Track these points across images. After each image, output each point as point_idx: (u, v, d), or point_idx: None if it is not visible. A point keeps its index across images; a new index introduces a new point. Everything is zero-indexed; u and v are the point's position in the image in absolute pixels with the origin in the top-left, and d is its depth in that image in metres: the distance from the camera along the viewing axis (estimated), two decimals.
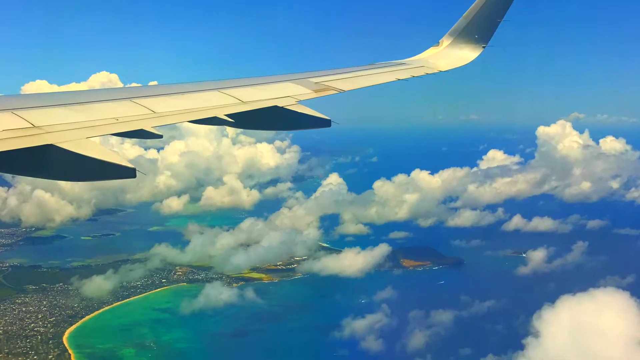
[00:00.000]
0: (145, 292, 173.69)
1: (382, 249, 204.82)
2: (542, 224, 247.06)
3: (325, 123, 15.65)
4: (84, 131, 11.97)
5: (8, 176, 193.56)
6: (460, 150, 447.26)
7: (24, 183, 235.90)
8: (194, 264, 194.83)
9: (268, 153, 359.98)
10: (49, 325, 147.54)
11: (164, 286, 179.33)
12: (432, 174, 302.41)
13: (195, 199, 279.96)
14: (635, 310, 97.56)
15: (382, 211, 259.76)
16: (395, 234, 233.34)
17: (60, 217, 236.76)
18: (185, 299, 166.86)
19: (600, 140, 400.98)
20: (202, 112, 14.36)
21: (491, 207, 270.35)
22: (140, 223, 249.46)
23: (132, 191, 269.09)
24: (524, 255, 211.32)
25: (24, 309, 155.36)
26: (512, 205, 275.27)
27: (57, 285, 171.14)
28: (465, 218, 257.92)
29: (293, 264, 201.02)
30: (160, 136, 12.70)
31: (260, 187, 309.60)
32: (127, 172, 10.91)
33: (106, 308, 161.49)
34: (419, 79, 21.05)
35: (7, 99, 13.51)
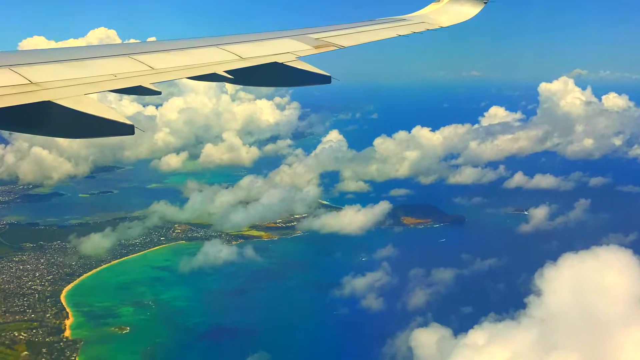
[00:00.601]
0: (143, 250, 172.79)
1: (383, 207, 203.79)
2: (544, 181, 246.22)
3: (326, 79, 15.48)
4: (81, 88, 11.92)
5: (5, 133, 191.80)
6: (462, 107, 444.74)
7: (21, 140, 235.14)
8: (193, 221, 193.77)
9: (267, 110, 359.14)
10: (46, 283, 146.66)
11: (163, 244, 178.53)
12: (433, 130, 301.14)
13: (194, 156, 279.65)
14: (638, 268, 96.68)
15: (383, 168, 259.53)
16: (395, 192, 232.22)
17: (57, 175, 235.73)
18: (184, 257, 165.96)
19: (603, 97, 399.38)
20: (201, 69, 14.30)
21: (493, 164, 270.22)
22: (138, 180, 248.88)
23: (131, 148, 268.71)
24: (525, 212, 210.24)
25: (21, 267, 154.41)
26: (514, 162, 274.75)
27: (54, 243, 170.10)
28: (466, 175, 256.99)
29: (293, 222, 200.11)
30: (159, 93, 12.80)
31: (260, 144, 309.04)
32: (125, 129, 10.93)
33: (104, 266, 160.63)
34: (420, 35, 20.75)
35: (4, 55, 13.30)
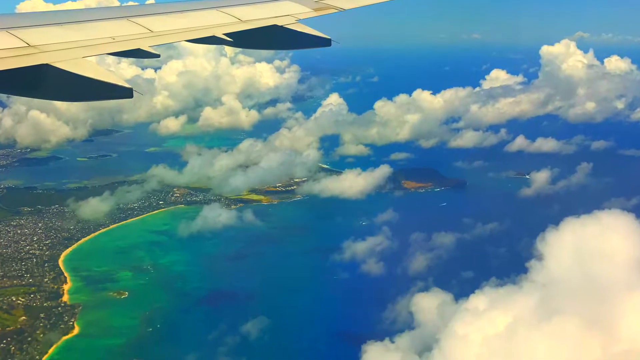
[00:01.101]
0: (142, 214, 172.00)
1: (383, 170, 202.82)
2: (546, 144, 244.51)
3: (326, 42, 15.45)
4: (80, 50, 11.86)
5: (3, 96, 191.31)
6: (463, 70, 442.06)
7: (19, 103, 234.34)
8: (192, 185, 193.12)
9: (267, 73, 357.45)
10: (44, 247, 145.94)
11: (162, 208, 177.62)
12: (434, 94, 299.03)
13: (193, 120, 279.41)
14: None
15: (383, 132, 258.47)
16: (396, 155, 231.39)
17: (55, 138, 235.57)
18: (183, 221, 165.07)
19: (605, 60, 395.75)
20: (200, 31, 14.23)
21: (494, 128, 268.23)
22: (137, 144, 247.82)
23: (129, 111, 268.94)
24: (527, 176, 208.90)
25: (19, 231, 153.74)
26: (515, 125, 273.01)
27: (52, 207, 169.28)
28: (467, 139, 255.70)
29: (292, 186, 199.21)
30: (158, 56, 12.76)
31: (259, 107, 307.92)
32: (123, 92, 10.84)
33: (102, 230, 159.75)
34: None
35: (1, 18, 13.08)
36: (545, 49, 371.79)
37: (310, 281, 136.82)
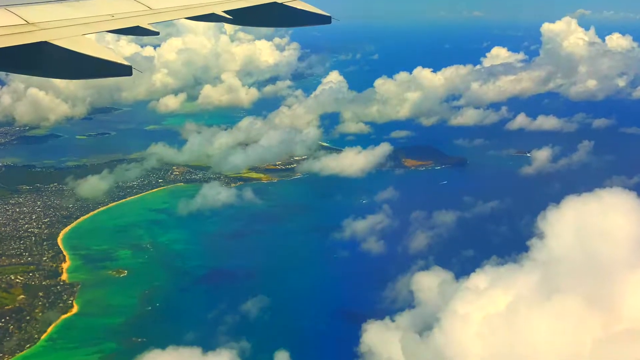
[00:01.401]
0: (141, 193, 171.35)
1: (384, 148, 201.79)
2: (547, 122, 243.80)
3: (325, 20, 15.54)
4: (79, 28, 11.98)
5: (1, 74, 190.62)
6: (463, 48, 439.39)
7: (18, 81, 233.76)
8: (192, 163, 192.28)
9: (267, 50, 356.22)
10: (43, 226, 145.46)
11: (161, 186, 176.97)
12: (434, 71, 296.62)
13: (192, 97, 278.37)
14: None
15: (384, 110, 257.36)
16: (396, 133, 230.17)
17: (54, 116, 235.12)
18: (182, 199, 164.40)
19: (606, 38, 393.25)
20: (199, 9, 14.37)
21: (495, 106, 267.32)
22: (136, 122, 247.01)
23: (128, 89, 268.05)
24: (528, 154, 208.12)
25: (17, 210, 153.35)
26: (516, 103, 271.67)
27: (51, 185, 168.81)
28: (468, 117, 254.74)
29: (292, 164, 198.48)
30: (157, 33, 12.87)
31: (259, 85, 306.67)
32: (123, 70, 10.96)
33: (101, 209, 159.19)
34: None
35: None
36: (547, 27, 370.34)
37: (310, 260, 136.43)
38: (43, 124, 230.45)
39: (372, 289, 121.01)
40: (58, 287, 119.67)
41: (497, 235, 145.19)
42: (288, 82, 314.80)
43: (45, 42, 10.79)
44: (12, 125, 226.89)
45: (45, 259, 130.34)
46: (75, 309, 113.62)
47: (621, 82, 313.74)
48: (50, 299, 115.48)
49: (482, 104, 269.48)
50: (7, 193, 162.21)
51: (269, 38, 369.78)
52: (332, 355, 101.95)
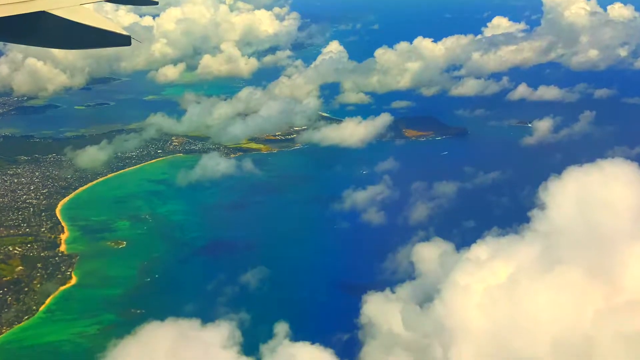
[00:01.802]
0: (140, 163, 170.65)
1: (384, 119, 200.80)
2: (548, 92, 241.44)
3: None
4: None
5: None
6: (464, 17, 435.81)
7: (16, 51, 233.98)
8: (191, 134, 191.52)
9: (267, 20, 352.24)
10: (41, 197, 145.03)
11: (160, 157, 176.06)
12: (435, 41, 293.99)
13: (191, 67, 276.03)
14: None
15: (384, 80, 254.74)
16: (397, 103, 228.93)
17: (53, 86, 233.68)
18: (181, 170, 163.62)
19: (608, 7, 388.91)
20: None
21: (496, 76, 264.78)
22: (135, 92, 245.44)
23: (127, 59, 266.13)
24: (529, 125, 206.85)
25: (15, 181, 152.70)
26: (517, 73, 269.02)
27: (49, 155, 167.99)
28: (469, 87, 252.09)
29: (292, 134, 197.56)
30: (156, 3, 13.62)
31: (259, 55, 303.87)
32: (121, 40, 11.02)
33: (100, 179, 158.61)
34: None
35: None
36: None
37: (310, 231, 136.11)
38: (41, 95, 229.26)
39: (372, 260, 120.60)
40: (56, 259, 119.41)
41: (498, 206, 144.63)
42: (288, 52, 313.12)
43: (44, 12, 10.67)
44: (10, 95, 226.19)
45: (44, 230, 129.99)
46: (73, 281, 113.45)
47: (623, 52, 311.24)
48: (49, 270, 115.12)
49: (483, 74, 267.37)
50: (5, 164, 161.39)
51: (269, 7, 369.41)
52: (332, 326, 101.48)
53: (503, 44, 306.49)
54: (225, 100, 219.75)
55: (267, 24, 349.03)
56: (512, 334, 68.74)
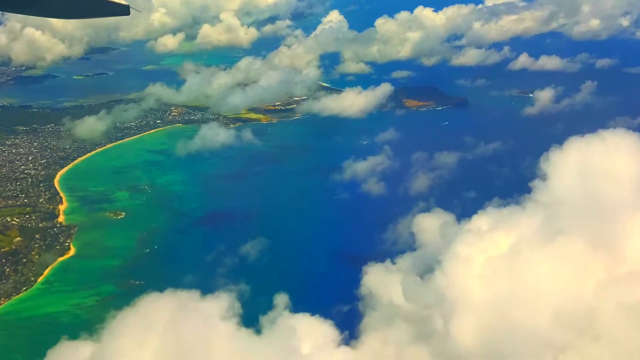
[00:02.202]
0: (139, 133, 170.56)
1: (384, 89, 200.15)
2: (550, 62, 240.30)
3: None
4: None
5: None
6: None
7: (14, 21, 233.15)
8: (190, 104, 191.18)
9: None
10: (39, 167, 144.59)
11: (159, 127, 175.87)
12: (435, 10, 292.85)
13: (191, 37, 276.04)
14: None
15: (384, 49, 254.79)
16: (397, 73, 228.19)
17: (51, 56, 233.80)
18: (180, 140, 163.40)
19: None
20: None
21: (497, 45, 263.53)
22: (134, 62, 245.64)
23: (126, 29, 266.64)
24: (530, 95, 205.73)
25: (14, 151, 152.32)
26: (519, 43, 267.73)
27: (48, 126, 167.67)
28: (470, 56, 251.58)
29: (292, 104, 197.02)
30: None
31: (258, 24, 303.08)
32: (120, 9, 11.07)
33: (99, 150, 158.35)
34: None
35: None
36: None
37: (310, 201, 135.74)
38: (40, 64, 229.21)
39: (372, 230, 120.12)
40: (55, 229, 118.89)
41: (499, 177, 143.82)
42: (288, 22, 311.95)
43: None
44: (8, 65, 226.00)
45: (42, 201, 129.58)
46: (72, 252, 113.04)
47: (625, 22, 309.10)
48: (47, 241, 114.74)
49: (484, 43, 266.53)
50: (4, 134, 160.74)
51: None
52: (332, 298, 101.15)
53: (504, 13, 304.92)
54: (224, 70, 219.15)
55: None
56: (513, 305, 68.24)
